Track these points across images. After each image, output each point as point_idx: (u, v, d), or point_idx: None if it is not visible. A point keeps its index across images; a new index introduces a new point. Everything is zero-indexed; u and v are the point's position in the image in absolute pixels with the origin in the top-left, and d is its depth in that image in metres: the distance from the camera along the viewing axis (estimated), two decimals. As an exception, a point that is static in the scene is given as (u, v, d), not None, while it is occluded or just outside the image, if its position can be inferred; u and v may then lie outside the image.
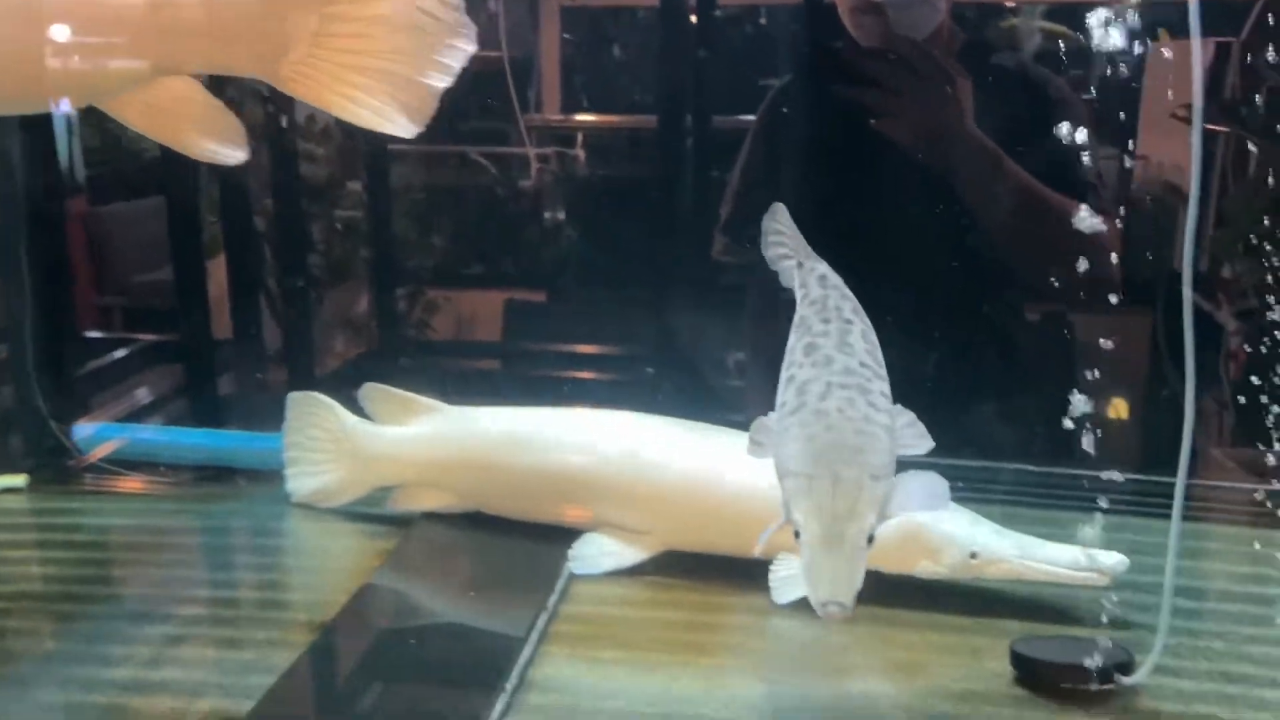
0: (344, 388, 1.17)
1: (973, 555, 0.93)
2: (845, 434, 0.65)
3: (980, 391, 1.39)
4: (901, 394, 0.72)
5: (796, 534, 0.64)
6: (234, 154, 0.88)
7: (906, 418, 0.70)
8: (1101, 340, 0.82)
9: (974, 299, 1.38)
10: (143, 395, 1.60)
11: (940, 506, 0.72)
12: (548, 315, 2.27)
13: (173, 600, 1.00)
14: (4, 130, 1.26)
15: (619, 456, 1.05)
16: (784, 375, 0.71)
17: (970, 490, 1.23)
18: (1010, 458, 1.28)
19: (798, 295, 0.80)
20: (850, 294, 0.77)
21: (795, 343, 0.73)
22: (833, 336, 0.71)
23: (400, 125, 0.83)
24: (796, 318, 0.77)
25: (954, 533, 0.94)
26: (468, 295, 2.24)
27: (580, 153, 2.34)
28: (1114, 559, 0.90)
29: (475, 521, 1.13)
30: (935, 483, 0.70)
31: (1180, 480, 0.75)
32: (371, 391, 1.12)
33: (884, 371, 0.71)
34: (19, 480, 1.22)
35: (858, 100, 1.29)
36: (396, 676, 0.87)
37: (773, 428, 0.70)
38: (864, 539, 0.63)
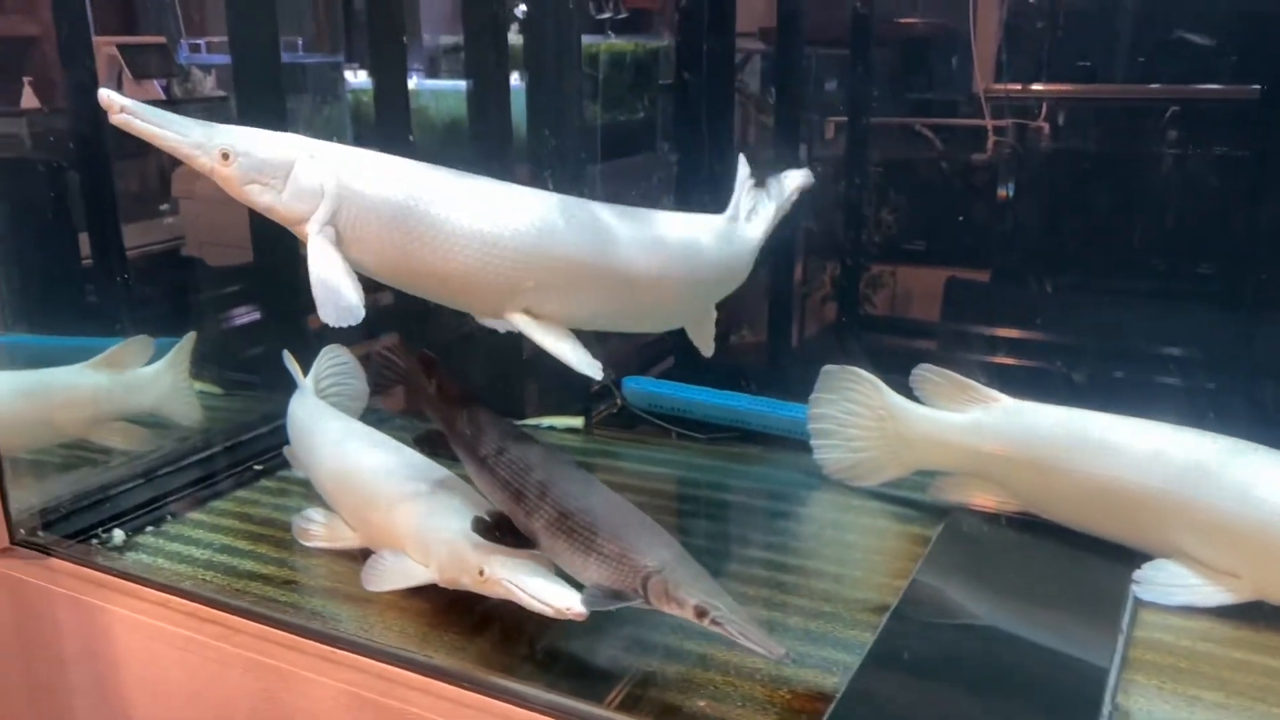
0: (814, 362, 1.17)
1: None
2: None
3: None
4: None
5: None
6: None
7: None
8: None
9: None
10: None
11: None
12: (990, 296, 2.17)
13: (720, 557, 1.06)
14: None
15: (1205, 481, 0.96)
16: None
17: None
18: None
19: None
20: None
21: None
22: None
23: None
24: None
25: None
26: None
27: (1044, 125, 2.20)
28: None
29: (1013, 522, 1.09)
30: None
31: None
32: (927, 373, 1.12)
33: None
34: (577, 421, 1.33)
35: None
36: (978, 685, 0.86)
37: None
38: None
